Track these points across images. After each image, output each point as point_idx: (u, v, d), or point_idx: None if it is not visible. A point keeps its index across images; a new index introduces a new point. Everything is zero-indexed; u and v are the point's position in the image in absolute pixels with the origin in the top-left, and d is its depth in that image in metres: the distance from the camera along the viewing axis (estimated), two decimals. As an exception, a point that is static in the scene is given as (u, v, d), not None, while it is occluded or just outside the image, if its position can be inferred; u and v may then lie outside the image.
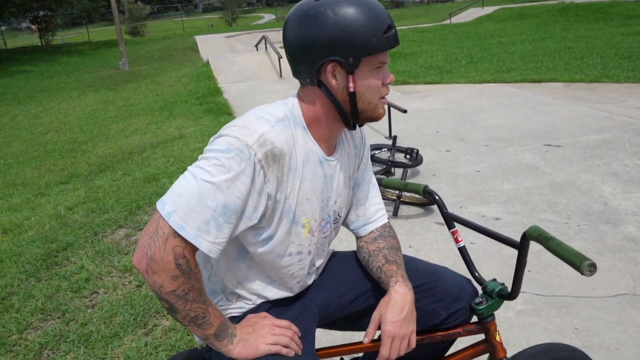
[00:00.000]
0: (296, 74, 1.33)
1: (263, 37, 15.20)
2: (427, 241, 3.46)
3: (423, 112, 7.18)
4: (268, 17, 54.47)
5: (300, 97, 1.36)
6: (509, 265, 3.07)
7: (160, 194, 4.74)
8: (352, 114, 1.32)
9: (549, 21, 22.33)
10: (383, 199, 3.90)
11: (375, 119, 1.36)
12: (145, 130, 8.28)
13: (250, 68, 13.13)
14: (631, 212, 3.67)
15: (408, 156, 4.47)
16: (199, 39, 24.49)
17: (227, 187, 1.18)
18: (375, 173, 4.30)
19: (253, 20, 50.17)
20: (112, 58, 22.62)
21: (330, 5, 1.23)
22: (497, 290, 1.51)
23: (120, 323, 2.77)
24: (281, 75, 12.27)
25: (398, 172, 4.57)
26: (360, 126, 1.44)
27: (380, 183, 1.81)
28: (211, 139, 1.26)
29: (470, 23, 25.16)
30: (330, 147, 1.39)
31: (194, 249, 1.20)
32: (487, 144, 5.52)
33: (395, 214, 3.83)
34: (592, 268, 1.18)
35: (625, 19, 20.29)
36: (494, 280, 1.55)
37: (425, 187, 1.67)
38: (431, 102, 7.88)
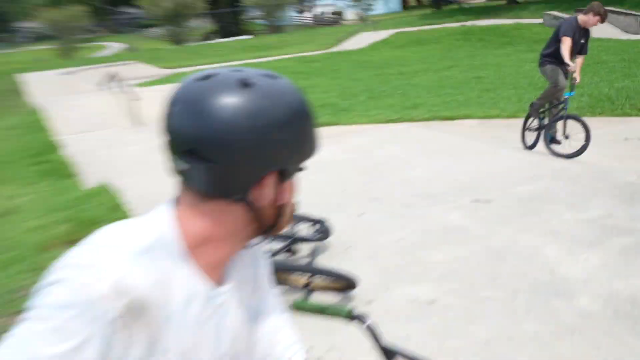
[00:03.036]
0: (212, 184, 1.12)
1: (112, 74, 14.84)
2: (352, 338, 3.38)
3: (323, 165, 7.21)
4: (115, 46, 53.49)
5: (181, 209, 1.15)
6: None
7: (-15, 297, 4.29)
8: (274, 227, 1.22)
9: (452, 47, 23.96)
10: (287, 285, 3.82)
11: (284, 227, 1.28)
12: (-43, 205, 7.61)
13: (96, 114, 12.70)
14: (581, 279, 3.85)
15: (317, 226, 4.43)
16: (24, 77, 23.41)
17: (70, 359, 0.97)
18: (277, 251, 4.20)
19: (95, 51, 49.08)
20: None
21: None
22: None
23: None
24: (136, 122, 11.93)
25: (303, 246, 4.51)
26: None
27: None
28: (45, 279, 1.03)
29: (364, 50, 26.36)
30: (222, 274, 1.22)
31: None
32: (407, 202, 5.64)
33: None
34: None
35: (531, 44, 22.15)
36: None
37: (351, 311, 1.57)
38: (331, 151, 7.92)
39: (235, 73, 1.13)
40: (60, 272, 1.02)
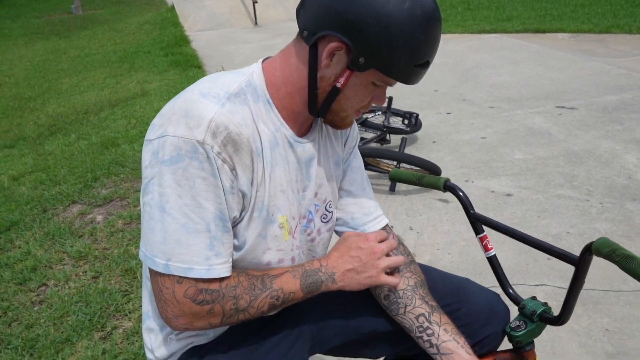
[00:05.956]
0: (299, 14, 1.11)
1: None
2: (430, 222, 3.26)
3: (418, 67, 6.91)
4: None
5: (271, 59, 1.16)
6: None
7: (120, 162, 4.44)
8: (321, 106, 1.13)
9: (551, -37, 21.91)
10: (376, 170, 3.71)
11: (339, 127, 1.19)
12: (103, 86, 7.89)
13: (221, 14, 12.63)
14: (659, 187, 3.51)
15: (406, 121, 4.23)
16: (162, -21, 23.54)
17: (205, 199, 1.02)
18: (369, 140, 4.06)
19: (223, -41, 48.70)
20: (63, 0, 21.69)
21: None
22: (539, 312, 1.31)
23: (72, 325, 2.53)
24: (256, 23, 11.83)
25: (394, 138, 4.34)
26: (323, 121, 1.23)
27: (388, 176, 1.60)
28: (147, 137, 1.06)
29: (465, -36, 24.64)
30: (302, 126, 1.19)
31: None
32: (493, 105, 5.30)
33: (392, 189, 3.61)
34: None
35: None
36: (534, 298, 1.35)
37: (447, 181, 1.47)
38: (426, 56, 7.60)
39: None
40: (163, 127, 1.04)
